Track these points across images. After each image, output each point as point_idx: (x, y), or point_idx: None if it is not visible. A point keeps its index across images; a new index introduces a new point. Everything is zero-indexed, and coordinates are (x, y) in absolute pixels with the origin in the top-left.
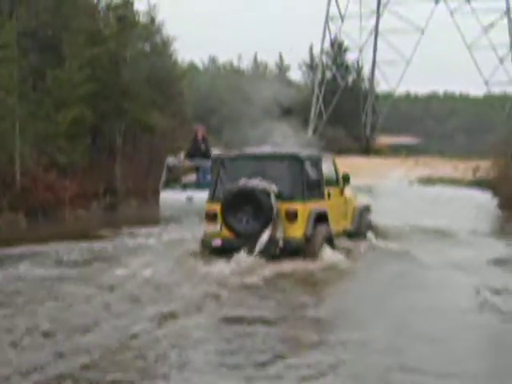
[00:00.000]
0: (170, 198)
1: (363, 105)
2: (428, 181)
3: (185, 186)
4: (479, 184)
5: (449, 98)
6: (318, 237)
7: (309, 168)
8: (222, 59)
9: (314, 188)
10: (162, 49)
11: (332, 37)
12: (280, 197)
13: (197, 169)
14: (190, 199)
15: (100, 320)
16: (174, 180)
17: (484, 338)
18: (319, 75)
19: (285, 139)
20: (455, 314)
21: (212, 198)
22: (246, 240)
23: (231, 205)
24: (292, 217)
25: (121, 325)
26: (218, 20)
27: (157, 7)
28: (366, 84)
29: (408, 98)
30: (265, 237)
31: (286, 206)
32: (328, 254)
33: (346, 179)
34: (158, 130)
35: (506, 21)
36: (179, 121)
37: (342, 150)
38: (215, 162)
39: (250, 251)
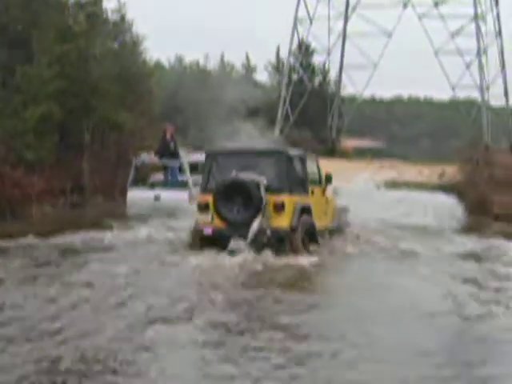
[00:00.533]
0: (137, 196)
1: (329, 107)
2: (394, 184)
3: (152, 185)
4: (444, 188)
5: (413, 101)
6: (302, 228)
7: (295, 164)
8: (189, 58)
9: (299, 183)
10: (132, 47)
11: (300, 39)
12: (268, 189)
13: (164, 168)
14: (157, 198)
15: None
16: (141, 179)
17: None
18: (286, 77)
19: (251, 139)
20: None
21: (204, 190)
22: (236, 229)
23: (223, 195)
24: (279, 208)
25: None
26: (185, 19)
27: (126, 5)
28: (332, 87)
29: (373, 102)
30: (255, 225)
31: (273, 198)
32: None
33: (329, 179)
34: (126, 128)
35: (473, 26)
36: (147, 119)
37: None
38: (207, 157)
39: (241, 238)
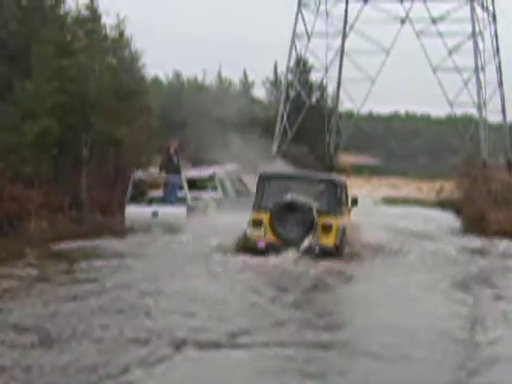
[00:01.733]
0: (135, 212)
1: (327, 123)
2: (392, 201)
3: (150, 201)
4: (443, 205)
5: (410, 117)
6: (343, 245)
7: (338, 190)
8: (187, 74)
9: (340, 207)
10: (130, 63)
11: (298, 55)
12: (318, 212)
13: (165, 184)
14: (155, 214)
15: None
16: (139, 194)
17: None
18: (284, 93)
19: (250, 156)
20: None
21: (258, 208)
22: (287, 244)
23: (279, 215)
24: (327, 229)
25: None
26: (183, 35)
27: (125, 21)
28: (330, 103)
29: (370, 117)
30: (306, 243)
31: (322, 220)
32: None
33: (354, 202)
34: (124, 143)
35: (471, 44)
36: (146, 135)
37: (305, 169)
38: (262, 179)
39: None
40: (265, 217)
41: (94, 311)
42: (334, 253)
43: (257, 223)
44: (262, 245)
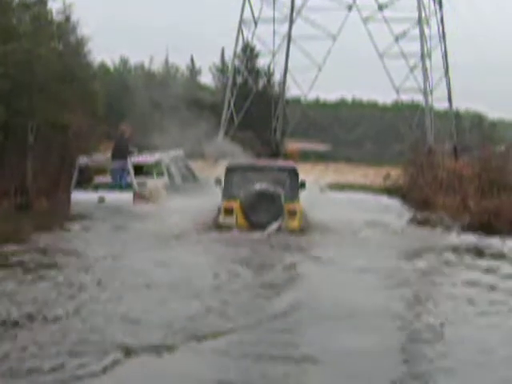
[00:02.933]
0: (81, 198)
1: (274, 110)
2: (338, 187)
3: (97, 187)
4: (389, 191)
5: (357, 104)
6: (305, 227)
7: (296, 177)
8: (134, 60)
9: (297, 191)
10: (76, 48)
11: (245, 41)
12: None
13: (112, 169)
14: (101, 200)
15: None
16: (86, 180)
17: None
18: (231, 79)
19: (197, 142)
20: None
21: (229, 197)
22: (258, 228)
23: (250, 203)
24: (292, 213)
25: None
26: (131, 22)
27: (71, 6)
28: (276, 89)
29: (317, 104)
30: (274, 226)
31: (288, 206)
32: None
33: (303, 185)
34: (70, 129)
35: (417, 30)
36: (92, 121)
37: (251, 154)
38: (230, 170)
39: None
40: (235, 205)
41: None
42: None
43: (228, 211)
44: (235, 233)
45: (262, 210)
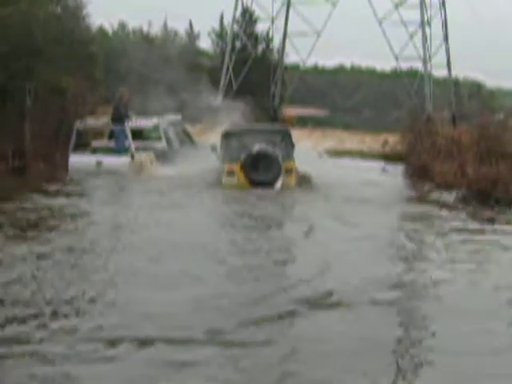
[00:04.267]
0: (79, 161)
1: (272, 75)
2: (336, 153)
3: (94, 150)
4: (387, 158)
5: (356, 71)
6: (300, 183)
7: (290, 137)
8: (132, 24)
9: (292, 151)
10: (75, 11)
11: (243, 6)
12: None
13: (111, 132)
14: (99, 164)
15: None
16: (84, 144)
17: None
18: (229, 44)
19: (195, 107)
20: None
21: (230, 160)
22: (259, 187)
23: (251, 163)
24: (289, 172)
25: None
26: None
27: None
28: (275, 55)
29: (316, 70)
30: (278, 184)
31: (285, 164)
32: None
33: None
34: (68, 92)
35: None
36: (90, 85)
37: (249, 120)
38: (228, 134)
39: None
40: (236, 167)
41: None
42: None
43: (230, 172)
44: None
45: (263, 169)
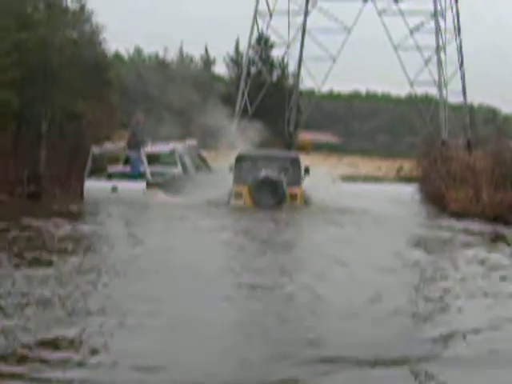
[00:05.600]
0: (94, 186)
1: (287, 101)
2: (352, 179)
3: (110, 176)
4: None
5: (371, 97)
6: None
7: (299, 164)
8: (148, 50)
9: (300, 177)
10: (91, 37)
11: (259, 32)
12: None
13: (126, 158)
14: (114, 189)
15: None
16: (99, 169)
17: None
18: (245, 70)
19: (211, 133)
20: None
21: (238, 183)
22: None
23: (257, 188)
24: (294, 197)
25: None
26: (145, 11)
27: None
28: (290, 80)
29: (331, 96)
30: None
31: (290, 190)
32: None
33: (307, 171)
34: (84, 117)
35: (432, 23)
36: (106, 110)
37: (265, 145)
38: (240, 157)
39: None
40: (244, 189)
41: None
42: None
43: (238, 194)
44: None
45: (267, 194)
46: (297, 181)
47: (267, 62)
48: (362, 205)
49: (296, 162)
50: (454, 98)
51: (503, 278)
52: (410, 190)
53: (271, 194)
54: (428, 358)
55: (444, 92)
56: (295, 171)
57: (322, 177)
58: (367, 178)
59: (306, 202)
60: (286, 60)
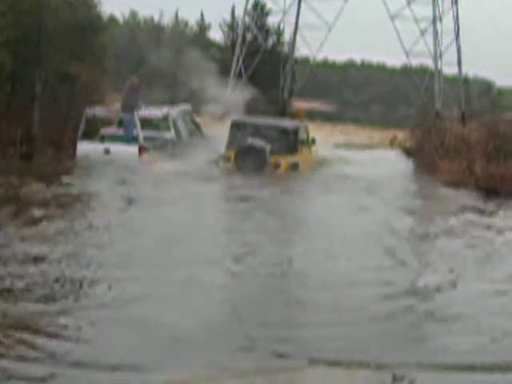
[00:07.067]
0: (87, 148)
1: (282, 69)
2: (345, 147)
3: (102, 138)
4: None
5: (366, 66)
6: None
7: (290, 134)
8: (143, 13)
9: (291, 147)
10: None
11: None
12: (272, 152)
13: (119, 121)
14: (107, 151)
15: None
16: (92, 131)
17: None
18: (240, 36)
19: (205, 99)
20: None
21: (229, 147)
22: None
23: (241, 154)
24: (277, 165)
25: None
26: None
27: None
28: (286, 48)
29: (326, 65)
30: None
31: (273, 159)
32: None
33: (313, 141)
34: (78, 80)
35: None
36: (100, 73)
37: (258, 112)
38: (234, 124)
39: None
40: (232, 154)
41: None
42: None
43: (227, 158)
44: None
45: (249, 160)
46: (283, 149)
47: (263, 28)
48: (357, 172)
49: (285, 131)
50: (449, 69)
51: None
52: (403, 160)
53: (253, 160)
54: None
55: (439, 63)
56: (284, 141)
57: (320, 145)
58: (360, 148)
59: (295, 169)
60: (281, 27)
